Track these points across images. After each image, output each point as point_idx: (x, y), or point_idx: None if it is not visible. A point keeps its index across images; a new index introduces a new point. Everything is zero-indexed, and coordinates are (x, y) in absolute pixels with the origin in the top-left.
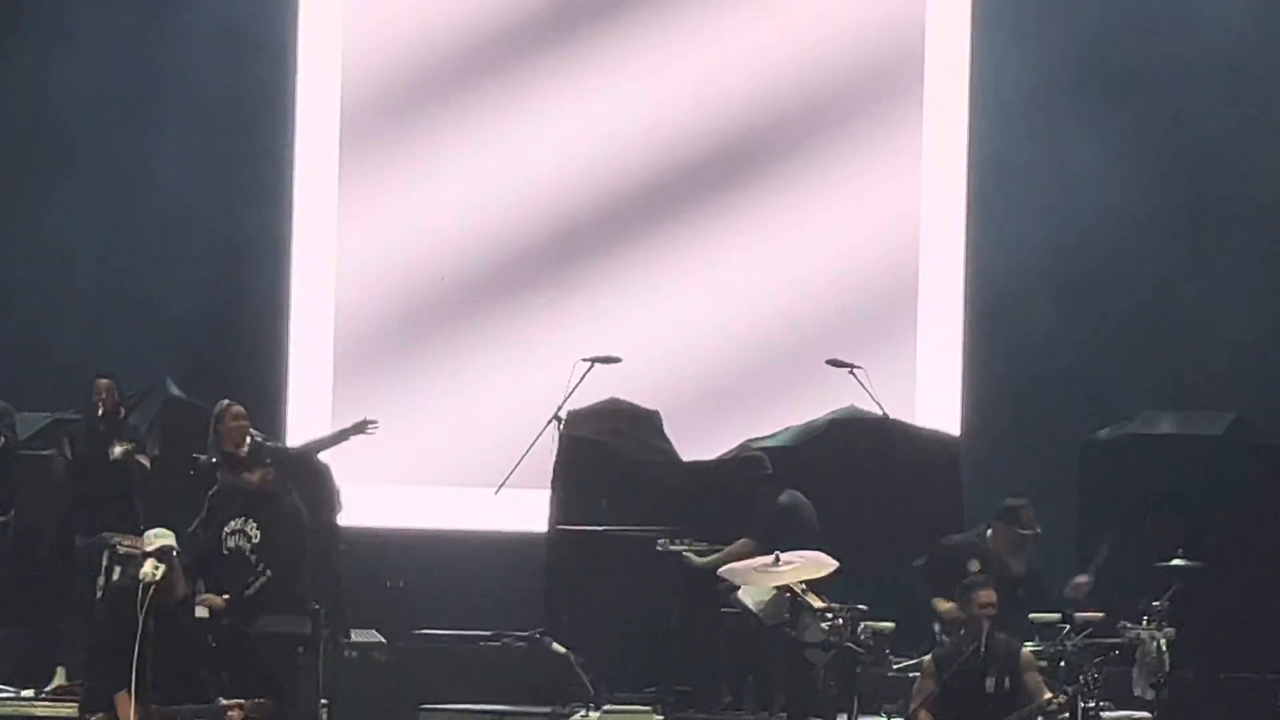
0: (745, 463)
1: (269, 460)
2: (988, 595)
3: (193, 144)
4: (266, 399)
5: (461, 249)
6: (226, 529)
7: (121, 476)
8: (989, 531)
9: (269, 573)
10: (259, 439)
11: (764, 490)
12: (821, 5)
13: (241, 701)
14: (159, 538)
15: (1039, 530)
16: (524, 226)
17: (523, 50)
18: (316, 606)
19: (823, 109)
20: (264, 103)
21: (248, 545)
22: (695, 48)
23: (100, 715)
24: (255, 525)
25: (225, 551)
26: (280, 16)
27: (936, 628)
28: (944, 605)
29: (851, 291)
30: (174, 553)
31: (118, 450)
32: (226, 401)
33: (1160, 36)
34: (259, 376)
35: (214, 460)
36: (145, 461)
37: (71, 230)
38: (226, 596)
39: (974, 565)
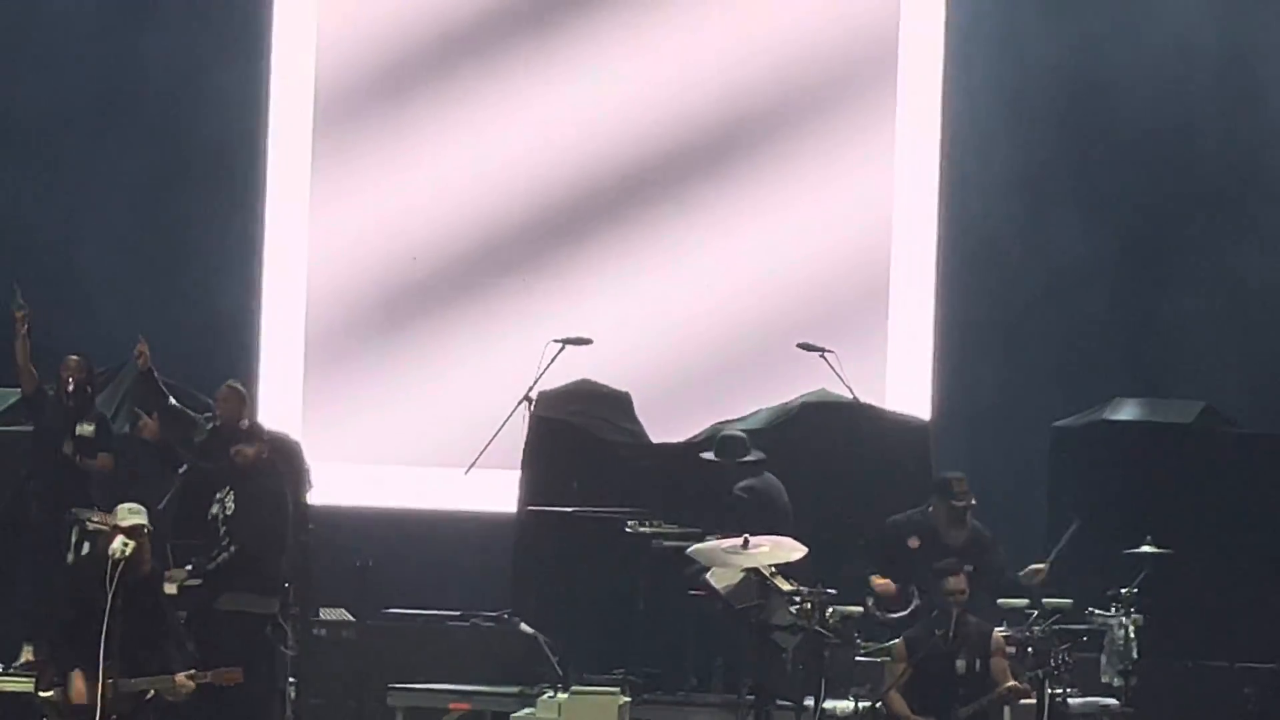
0: (724, 443)
1: (265, 438)
2: (957, 582)
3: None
4: (238, 379)
5: (434, 230)
6: (215, 496)
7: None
8: (929, 508)
9: (233, 548)
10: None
11: (738, 474)
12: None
13: (194, 671)
14: (131, 514)
15: (973, 501)
16: (497, 209)
17: (500, 37)
18: (285, 585)
19: (796, 98)
20: (240, 90)
21: (221, 515)
22: (672, 37)
23: (54, 692)
24: (233, 498)
25: (208, 519)
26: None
27: (869, 602)
28: (879, 581)
29: (823, 275)
30: (145, 530)
31: (84, 429)
32: (230, 380)
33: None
34: (231, 357)
35: (213, 426)
36: (108, 463)
37: (38, 210)
38: (190, 566)
39: (913, 542)
